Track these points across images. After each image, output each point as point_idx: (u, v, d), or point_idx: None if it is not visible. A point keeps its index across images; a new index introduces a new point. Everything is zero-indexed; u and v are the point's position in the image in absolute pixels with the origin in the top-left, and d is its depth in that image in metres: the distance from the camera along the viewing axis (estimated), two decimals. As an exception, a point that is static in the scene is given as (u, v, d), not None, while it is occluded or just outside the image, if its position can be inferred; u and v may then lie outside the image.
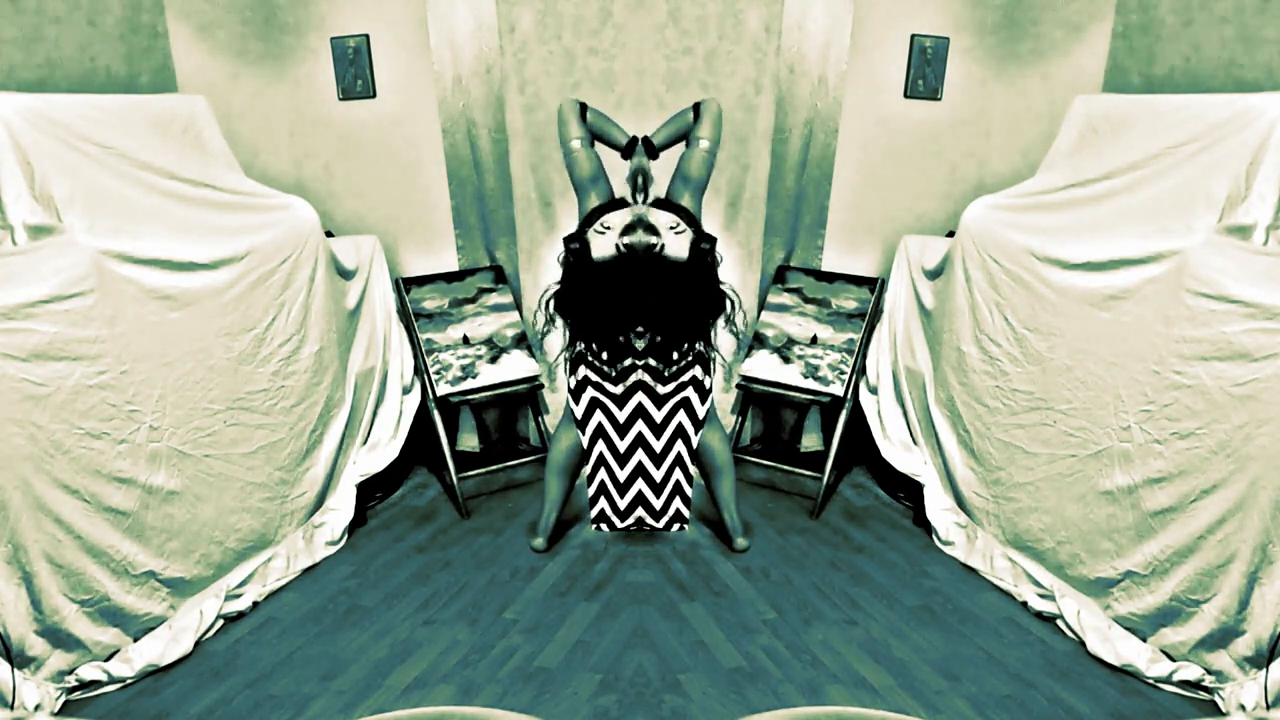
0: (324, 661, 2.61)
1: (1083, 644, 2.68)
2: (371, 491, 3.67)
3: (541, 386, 3.90)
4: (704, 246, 2.87)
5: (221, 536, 2.86)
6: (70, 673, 2.41)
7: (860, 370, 3.78)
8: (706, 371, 3.12)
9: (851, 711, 2.20)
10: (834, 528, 3.53)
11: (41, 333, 2.27)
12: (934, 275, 3.50)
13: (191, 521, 2.74)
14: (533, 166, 3.98)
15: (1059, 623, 2.80)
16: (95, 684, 2.44)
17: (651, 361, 3.03)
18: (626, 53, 3.77)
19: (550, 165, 3.92)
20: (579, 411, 3.16)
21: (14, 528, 2.23)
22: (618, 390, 3.10)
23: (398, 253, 4.10)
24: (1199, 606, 2.44)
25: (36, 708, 2.24)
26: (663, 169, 3.20)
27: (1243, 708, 2.26)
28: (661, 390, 3.09)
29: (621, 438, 3.14)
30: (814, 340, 3.89)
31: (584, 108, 3.16)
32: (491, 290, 4.08)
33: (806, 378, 3.77)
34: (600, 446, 3.15)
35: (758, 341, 3.93)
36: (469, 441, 4.17)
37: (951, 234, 3.39)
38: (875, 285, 3.95)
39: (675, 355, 3.01)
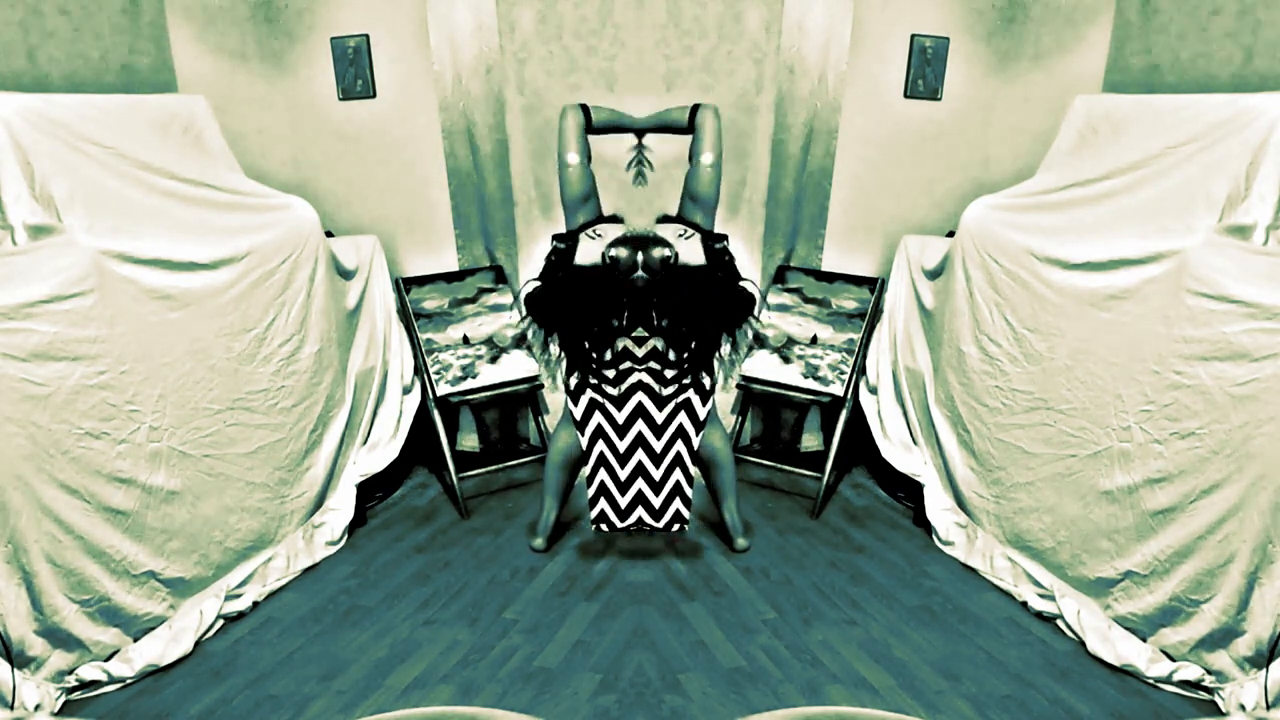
0: (324, 661, 2.61)
1: (1083, 644, 2.68)
2: (371, 491, 3.67)
3: (541, 386, 3.89)
4: (718, 246, 2.87)
5: (221, 536, 2.86)
6: (70, 673, 2.41)
7: (860, 370, 3.78)
8: (709, 373, 3.12)
9: (851, 711, 2.20)
10: (834, 528, 3.53)
11: (41, 333, 2.27)
12: (934, 275, 3.49)
13: (191, 521, 2.74)
14: (533, 166, 3.98)
15: (1059, 623, 2.80)
16: (95, 684, 2.44)
17: (654, 365, 3.03)
18: (626, 53, 3.77)
19: (550, 165, 3.91)
20: (578, 413, 3.15)
21: (14, 528, 2.23)
22: (616, 391, 3.10)
23: (398, 253, 4.10)
24: (1199, 606, 2.44)
25: (36, 708, 2.24)
26: (670, 187, 3.16)
27: (1243, 708, 2.26)
28: (663, 391, 3.09)
29: (621, 438, 3.14)
30: (814, 340, 3.89)
31: (588, 113, 3.09)
32: (491, 290, 4.09)
33: (806, 378, 3.77)
34: (600, 447, 3.15)
35: (758, 341, 3.93)
36: (469, 441, 4.17)
37: (951, 234, 3.39)
38: (875, 285, 3.95)
39: (688, 361, 3.00)
